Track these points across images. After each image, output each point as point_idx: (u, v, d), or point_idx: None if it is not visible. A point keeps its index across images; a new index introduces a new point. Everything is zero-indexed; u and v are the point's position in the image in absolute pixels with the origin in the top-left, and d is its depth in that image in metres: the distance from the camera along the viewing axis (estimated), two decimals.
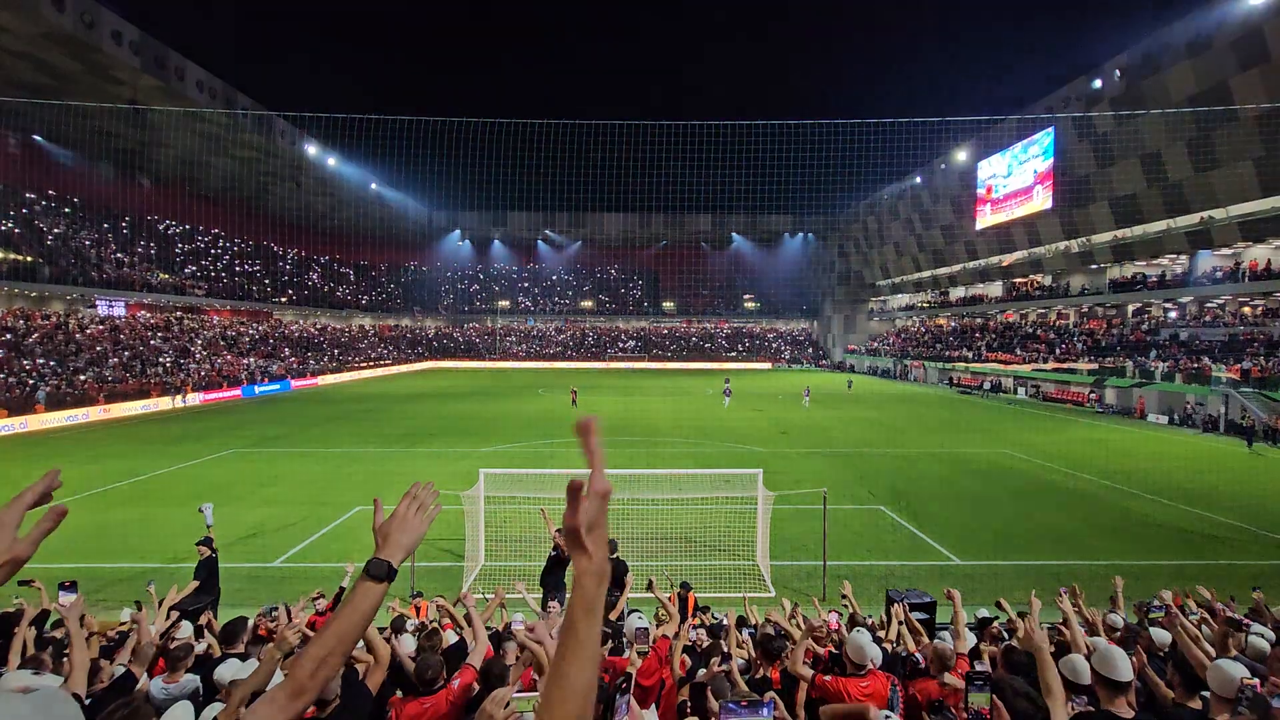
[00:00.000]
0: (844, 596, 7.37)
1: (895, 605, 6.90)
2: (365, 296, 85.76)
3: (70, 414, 31.25)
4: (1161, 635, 5.23)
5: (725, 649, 5.21)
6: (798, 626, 6.14)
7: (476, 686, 3.70)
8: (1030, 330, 54.03)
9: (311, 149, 52.27)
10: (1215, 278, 37.37)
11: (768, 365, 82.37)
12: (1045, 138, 44.83)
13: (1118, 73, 37.13)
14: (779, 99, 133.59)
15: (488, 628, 5.03)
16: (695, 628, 6.58)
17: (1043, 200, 45.55)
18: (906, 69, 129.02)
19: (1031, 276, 54.92)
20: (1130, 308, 45.67)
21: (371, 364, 67.63)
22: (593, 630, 1.03)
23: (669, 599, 6.28)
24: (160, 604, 6.32)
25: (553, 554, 9.22)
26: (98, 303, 43.54)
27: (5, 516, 1.10)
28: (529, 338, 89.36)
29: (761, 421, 32.59)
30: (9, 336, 35.55)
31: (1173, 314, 43.44)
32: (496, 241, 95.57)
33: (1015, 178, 48.84)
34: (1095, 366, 41.39)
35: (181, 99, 37.15)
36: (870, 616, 7.86)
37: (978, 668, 4.03)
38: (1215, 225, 35.24)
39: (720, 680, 3.71)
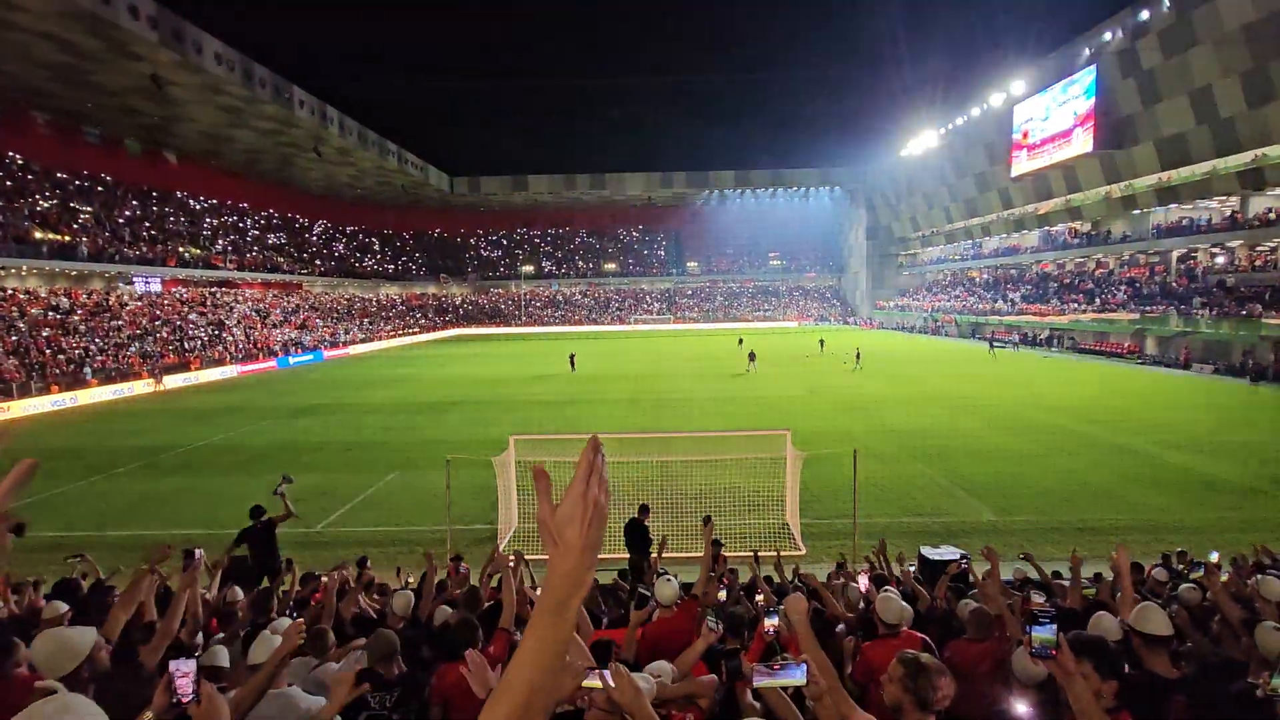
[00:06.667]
0: (878, 554, 7.35)
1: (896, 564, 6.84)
2: (391, 266, 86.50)
3: (117, 388, 32.43)
4: (1189, 593, 5.14)
5: (754, 612, 5.22)
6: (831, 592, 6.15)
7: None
8: (1068, 280, 52.32)
9: (331, 118, 52.17)
10: (1269, 219, 35.55)
11: (794, 324, 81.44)
12: (1086, 76, 42.51)
13: (1166, 2, 34.81)
14: (801, 46, 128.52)
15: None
16: (723, 586, 6.64)
17: (1083, 143, 43.46)
18: (935, 8, 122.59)
19: (1070, 224, 52.91)
20: (1175, 254, 43.79)
21: (400, 333, 68.68)
22: (556, 632, 0.93)
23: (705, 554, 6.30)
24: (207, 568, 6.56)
25: None
26: (135, 280, 44.60)
27: None
28: (553, 302, 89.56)
29: (789, 381, 32.37)
30: (55, 315, 36.76)
31: (1220, 259, 41.57)
32: (519, 206, 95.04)
33: (1054, 120, 46.59)
34: (1137, 316, 40.02)
35: (200, 72, 37.14)
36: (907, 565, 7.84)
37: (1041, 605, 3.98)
38: (1269, 163, 33.32)
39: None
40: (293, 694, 3.19)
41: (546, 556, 0.99)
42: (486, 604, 5.57)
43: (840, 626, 5.13)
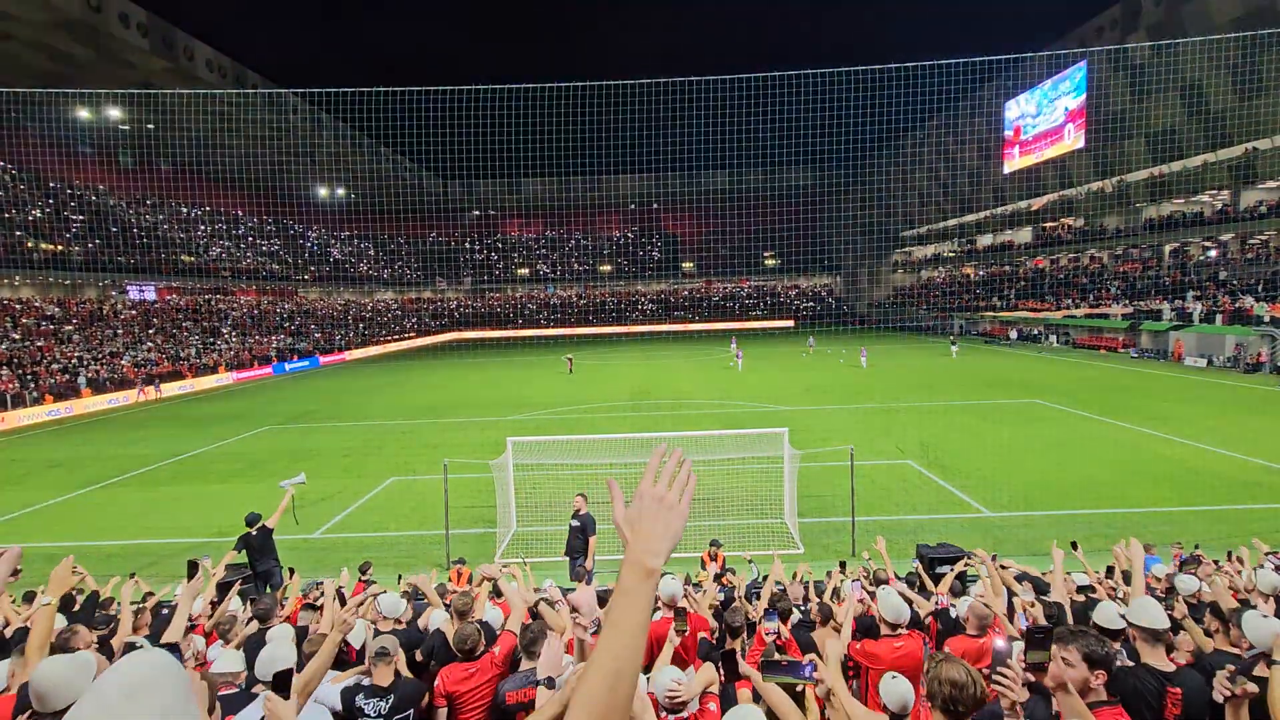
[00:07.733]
0: (878, 550, 7.36)
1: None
2: (386, 270, 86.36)
3: (112, 397, 32.28)
4: (1188, 582, 5.18)
5: (748, 616, 5.24)
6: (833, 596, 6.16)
7: (519, 650, 3.78)
8: (1062, 276, 52.52)
9: (324, 124, 52.18)
10: (1259, 212, 35.76)
11: (790, 323, 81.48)
12: (1077, 73, 42.76)
13: None
14: (793, 43, 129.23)
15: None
16: (723, 588, 6.67)
17: (1074, 139, 43.71)
18: (926, 6, 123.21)
19: (1062, 220, 53.15)
20: (1167, 249, 44.03)
21: (396, 337, 68.55)
22: (628, 615, 1.04)
23: (702, 557, 6.34)
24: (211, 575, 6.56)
25: (573, 524, 9.39)
26: (129, 288, 44.46)
27: None
28: (549, 305, 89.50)
29: (785, 380, 32.42)
30: (49, 324, 36.60)
31: (1213, 253, 41.81)
32: (513, 209, 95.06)
33: (1045, 117, 46.86)
34: (1130, 311, 40.21)
35: (192, 80, 37.12)
36: (912, 571, 7.86)
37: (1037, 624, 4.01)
38: (1260, 156, 33.54)
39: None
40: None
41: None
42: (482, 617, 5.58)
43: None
